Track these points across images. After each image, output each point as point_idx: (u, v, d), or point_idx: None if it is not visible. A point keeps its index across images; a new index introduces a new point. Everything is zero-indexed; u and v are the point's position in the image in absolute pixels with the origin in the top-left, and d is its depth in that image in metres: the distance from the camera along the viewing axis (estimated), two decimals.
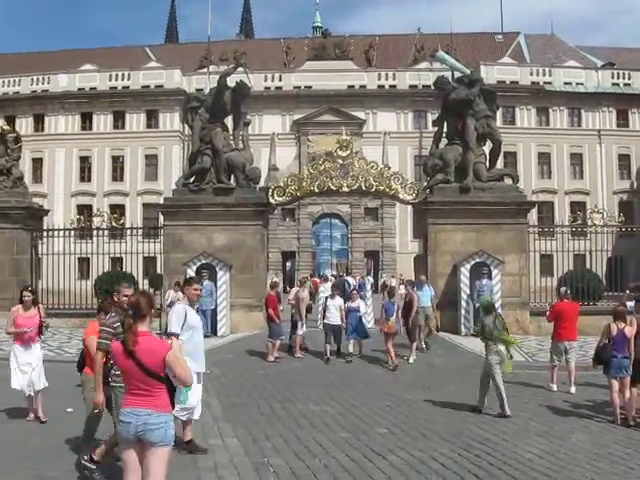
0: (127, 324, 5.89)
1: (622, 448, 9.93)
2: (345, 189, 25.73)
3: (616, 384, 11.46)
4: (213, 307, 23.44)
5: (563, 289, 16.11)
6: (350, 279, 37.81)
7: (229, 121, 26.14)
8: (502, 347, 12.26)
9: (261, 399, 13.26)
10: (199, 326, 9.55)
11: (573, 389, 14.21)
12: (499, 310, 16.67)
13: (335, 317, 18.49)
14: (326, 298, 19.69)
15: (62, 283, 26.14)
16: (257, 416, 11.85)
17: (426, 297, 20.39)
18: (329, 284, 28.52)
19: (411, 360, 18.16)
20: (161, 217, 26.97)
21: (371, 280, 40.86)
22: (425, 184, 26.53)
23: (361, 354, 18.97)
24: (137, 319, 5.92)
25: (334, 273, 52.22)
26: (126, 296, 8.31)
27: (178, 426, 8.62)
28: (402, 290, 24.79)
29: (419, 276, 22.05)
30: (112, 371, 7.91)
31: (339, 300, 18.89)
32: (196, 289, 9.67)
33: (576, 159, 59.87)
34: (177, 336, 9.02)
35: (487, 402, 12.21)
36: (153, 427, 5.80)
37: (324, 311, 19.11)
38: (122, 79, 61.54)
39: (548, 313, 15.68)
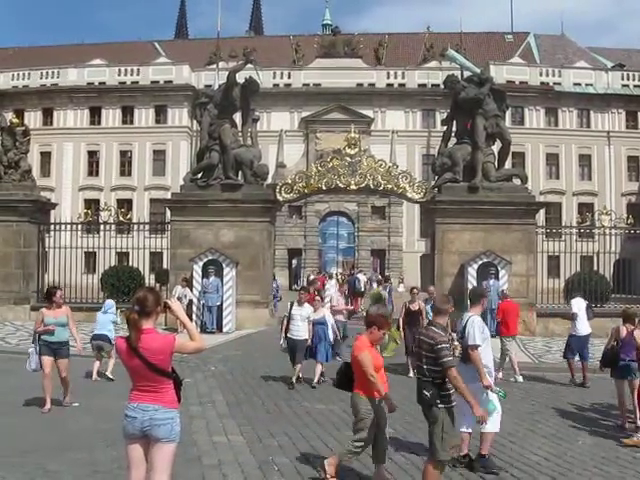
0: (132, 320, 5.84)
1: (630, 452, 9.86)
2: (353, 187, 25.67)
3: (624, 387, 11.38)
4: (219, 303, 23.46)
5: (503, 290, 19.07)
6: (361, 276, 37.81)
7: (238, 117, 26.11)
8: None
9: (267, 396, 13.24)
10: (489, 336, 9.28)
11: (520, 378, 15.64)
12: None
13: (301, 330, 14.73)
14: (291, 305, 15.25)
15: (68, 277, 26.13)
16: (262, 414, 11.83)
17: None
18: (334, 281, 28.55)
19: (411, 374, 15.50)
20: (168, 212, 26.94)
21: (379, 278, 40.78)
22: (433, 183, 26.46)
23: (322, 380, 14.99)
24: (142, 316, 5.87)
25: (340, 271, 52.20)
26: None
27: (485, 441, 8.64)
28: (401, 288, 24.47)
29: (428, 287, 19.22)
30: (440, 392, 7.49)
31: (307, 309, 15.02)
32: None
33: (585, 160, 59.60)
34: (477, 347, 8.71)
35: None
36: (160, 423, 5.76)
37: (287, 322, 14.95)
38: (131, 74, 61.48)
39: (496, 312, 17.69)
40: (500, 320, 16.66)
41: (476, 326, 8.84)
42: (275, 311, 26.83)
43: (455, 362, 7.55)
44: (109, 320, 15.47)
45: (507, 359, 16.22)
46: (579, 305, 16.09)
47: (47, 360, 11.98)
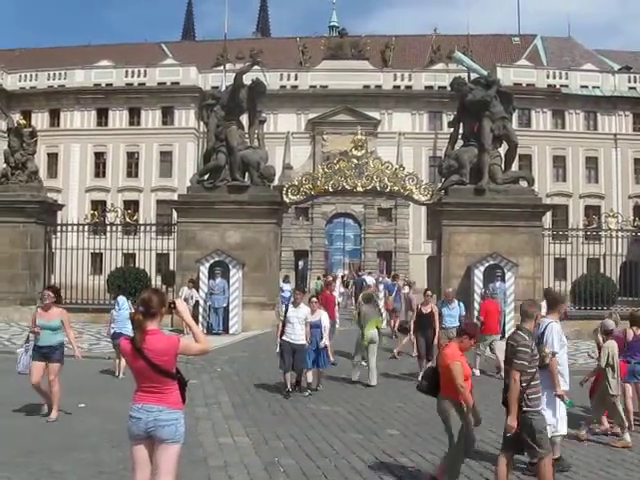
0: (137, 321, 5.84)
1: (636, 455, 9.84)
2: (359, 189, 25.66)
3: (630, 389, 11.34)
4: (225, 305, 23.48)
5: (485, 290, 20.19)
6: (368, 278, 37.77)
7: (244, 119, 26.14)
8: (374, 331, 15.34)
9: (273, 398, 13.25)
10: (566, 343, 9.31)
11: (477, 372, 15.97)
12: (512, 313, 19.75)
13: (298, 333, 13.77)
14: (286, 307, 14.60)
15: (75, 278, 26.20)
16: (268, 415, 11.83)
17: (454, 317, 16.74)
18: (338, 282, 28.60)
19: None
20: (175, 214, 26.97)
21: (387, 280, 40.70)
22: (440, 185, 26.44)
23: (319, 386, 14.50)
24: (147, 317, 5.87)
25: (347, 272, 52.09)
26: None
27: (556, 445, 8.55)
28: (406, 289, 24.37)
29: (446, 289, 18.61)
30: (525, 395, 7.51)
31: (304, 310, 14.05)
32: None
33: (591, 163, 59.51)
34: (555, 355, 8.74)
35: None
36: (164, 424, 5.77)
37: (283, 325, 14.01)
38: (138, 75, 61.56)
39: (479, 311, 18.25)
40: (482, 321, 16.92)
41: (555, 332, 8.89)
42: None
43: (525, 367, 7.49)
44: (126, 317, 15.29)
45: (478, 359, 16.71)
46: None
47: (35, 366, 11.32)
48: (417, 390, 8.75)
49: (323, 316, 14.52)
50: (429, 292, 17.01)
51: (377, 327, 15.68)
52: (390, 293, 25.22)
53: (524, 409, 7.47)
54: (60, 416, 11.29)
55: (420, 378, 8.70)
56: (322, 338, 14.25)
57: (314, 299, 14.92)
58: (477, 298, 22.31)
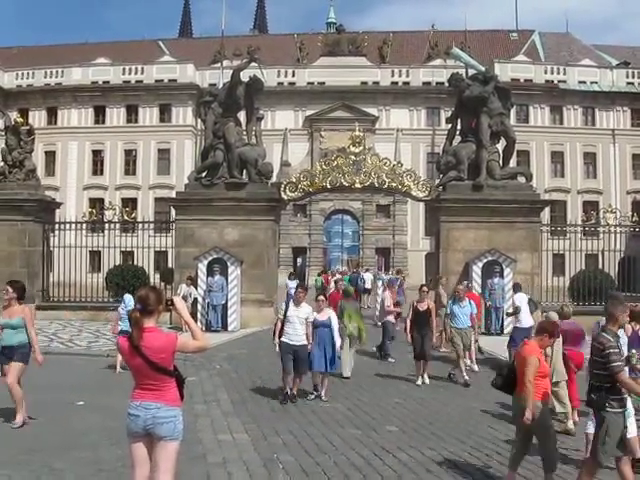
0: (134, 319, 5.84)
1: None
2: (357, 185, 25.63)
3: None
4: (224, 302, 23.47)
5: (465, 283, 19.85)
6: (367, 275, 37.80)
7: (242, 116, 26.12)
8: (355, 324, 15.32)
9: (271, 395, 13.24)
10: None
11: (476, 367, 16.41)
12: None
13: (298, 334, 12.80)
14: (286, 304, 13.20)
15: (73, 276, 26.21)
16: (267, 412, 11.84)
17: (466, 316, 15.71)
18: (338, 277, 28.62)
19: (419, 382, 14.73)
20: (173, 211, 26.96)
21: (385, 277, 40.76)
22: (438, 181, 26.44)
23: (324, 393, 13.16)
24: (145, 314, 5.87)
25: (344, 269, 52.11)
26: None
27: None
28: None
29: (457, 286, 17.30)
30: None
31: (306, 309, 13.03)
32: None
33: (589, 158, 59.55)
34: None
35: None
36: (162, 421, 5.77)
37: (282, 325, 13.00)
38: (135, 73, 61.51)
39: None
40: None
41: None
42: None
43: (621, 367, 7.34)
44: None
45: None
46: (521, 299, 16.95)
47: (3, 368, 10.76)
48: (491, 386, 8.68)
49: (332, 315, 13.49)
50: (425, 288, 15.85)
51: (359, 326, 15.59)
52: (393, 287, 25.34)
53: (607, 409, 7.34)
54: (59, 413, 11.28)
55: (495, 374, 8.58)
56: (332, 338, 13.16)
57: (321, 297, 13.94)
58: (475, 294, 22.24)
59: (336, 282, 24.17)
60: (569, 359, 11.90)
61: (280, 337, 12.89)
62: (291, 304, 12.99)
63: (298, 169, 34.85)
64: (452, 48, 37.27)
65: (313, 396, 13.09)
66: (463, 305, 15.69)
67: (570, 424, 10.98)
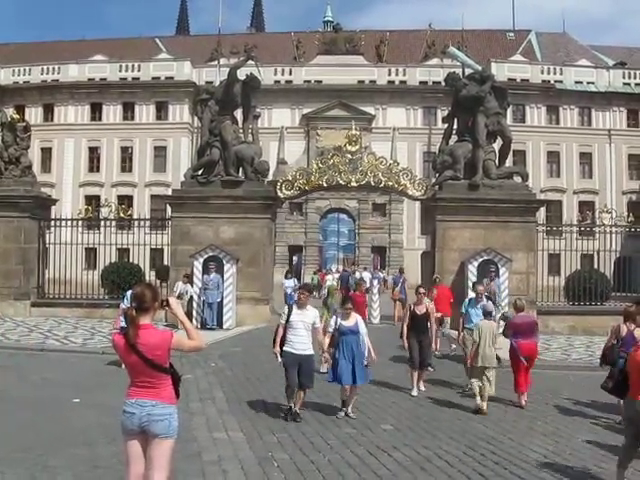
0: (130, 316, 5.84)
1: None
2: (354, 184, 25.65)
3: None
4: (219, 300, 23.44)
5: (435, 276, 21.51)
6: (365, 274, 37.88)
7: (239, 114, 26.10)
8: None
9: (267, 393, 13.23)
10: None
11: (454, 346, 17.52)
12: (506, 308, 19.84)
13: (304, 342, 11.22)
14: (289, 308, 11.57)
15: (69, 273, 26.18)
16: (262, 410, 11.83)
17: (480, 317, 13.96)
18: (330, 276, 28.59)
19: (414, 393, 13.52)
20: (169, 209, 26.95)
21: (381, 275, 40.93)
22: (434, 180, 26.45)
23: (350, 409, 11.59)
24: (140, 312, 5.87)
25: (340, 267, 52.18)
26: None
27: None
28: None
29: (477, 285, 16.84)
30: None
31: (312, 312, 11.42)
32: None
33: (585, 158, 59.67)
34: None
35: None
36: (157, 418, 5.77)
37: (284, 331, 11.31)
38: (132, 70, 61.48)
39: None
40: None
41: None
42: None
43: None
44: None
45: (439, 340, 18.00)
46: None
47: None
48: (601, 389, 8.66)
49: (360, 320, 11.90)
50: (422, 289, 14.44)
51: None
52: (396, 285, 26.65)
53: None
54: (55, 410, 11.27)
55: (606, 377, 8.55)
56: (360, 346, 11.55)
57: (349, 305, 11.91)
58: (471, 294, 22.10)
59: (358, 284, 24.18)
60: (520, 349, 12.69)
61: (282, 346, 11.27)
62: (294, 308, 11.39)
63: (294, 167, 34.79)
64: (449, 47, 37.18)
65: (343, 413, 11.51)
66: (479, 306, 14.69)
67: (484, 405, 11.89)
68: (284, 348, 11.18)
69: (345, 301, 12.35)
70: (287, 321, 11.26)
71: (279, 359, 11.34)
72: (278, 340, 11.31)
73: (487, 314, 13.08)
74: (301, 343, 11.13)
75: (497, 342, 12.65)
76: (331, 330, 11.68)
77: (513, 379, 12.87)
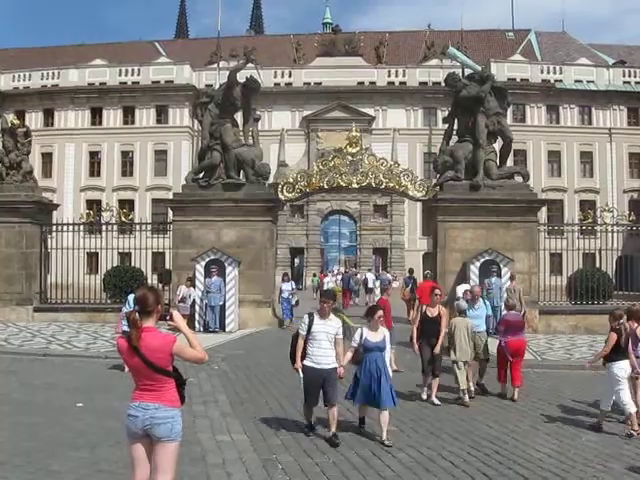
0: (133, 319, 5.85)
1: (634, 448, 9.84)
2: (355, 185, 25.64)
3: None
4: (221, 303, 23.45)
5: (426, 272, 23.03)
6: (369, 275, 38.03)
7: (239, 117, 26.08)
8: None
9: (270, 395, 13.23)
10: None
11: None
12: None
13: (327, 355, 10.06)
14: (310, 317, 10.22)
15: (71, 278, 26.18)
16: (266, 413, 11.81)
17: (480, 318, 14.20)
18: (329, 277, 28.57)
19: (424, 396, 13.08)
20: (170, 212, 26.94)
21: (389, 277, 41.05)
22: (435, 181, 26.43)
23: (385, 435, 10.04)
24: (143, 315, 5.87)
25: (340, 269, 52.19)
26: None
27: None
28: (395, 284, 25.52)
29: (474, 287, 16.23)
30: None
31: (335, 322, 10.22)
32: None
33: (586, 157, 59.66)
34: None
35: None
36: (160, 421, 5.77)
37: (305, 343, 10.16)
38: (132, 74, 61.54)
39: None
40: (419, 298, 18.17)
41: None
42: (290, 319, 25.71)
43: None
44: None
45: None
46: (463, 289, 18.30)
47: None
48: None
49: (387, 335, 10.70)
50: (438, 290, 13.77)
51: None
52: (407, 285, 26.69)
53: None
54: (58, 414, 11.27)
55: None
56: (385, 363, 10.42)
57: (380, 312, 10.66)
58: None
59: (384, 289, 21.71)
60: (508, 347, 13.34)
61: (302, 359, 10.16)
62: (316, 316, 10.17)
63: (295, 169, 34.82)
64: (448, 48, 37.12)
65: (387, 442, 9.88)
66: (477, 307, 14.37)
67: (466, 398, 12.79)
68: (305, 363, 10.10)
69: (373, 310, 10.84)
70: (308, 332, 10.13)
71: (301, 374, 10.17)
72: (299, 354, 10.15)
73: (461, 312, 13.70)
74: (324, 357, 10.02)
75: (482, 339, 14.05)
76: (355, 345, 10.43)
77: (497, 370, 13.86)
